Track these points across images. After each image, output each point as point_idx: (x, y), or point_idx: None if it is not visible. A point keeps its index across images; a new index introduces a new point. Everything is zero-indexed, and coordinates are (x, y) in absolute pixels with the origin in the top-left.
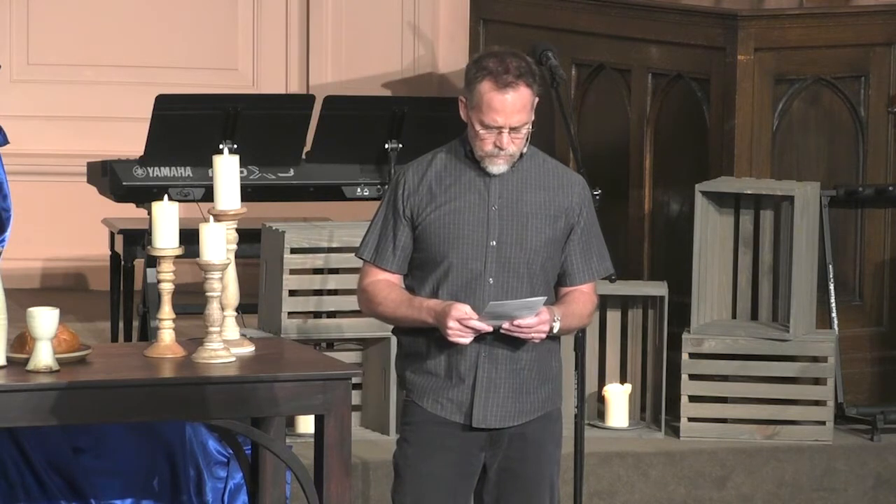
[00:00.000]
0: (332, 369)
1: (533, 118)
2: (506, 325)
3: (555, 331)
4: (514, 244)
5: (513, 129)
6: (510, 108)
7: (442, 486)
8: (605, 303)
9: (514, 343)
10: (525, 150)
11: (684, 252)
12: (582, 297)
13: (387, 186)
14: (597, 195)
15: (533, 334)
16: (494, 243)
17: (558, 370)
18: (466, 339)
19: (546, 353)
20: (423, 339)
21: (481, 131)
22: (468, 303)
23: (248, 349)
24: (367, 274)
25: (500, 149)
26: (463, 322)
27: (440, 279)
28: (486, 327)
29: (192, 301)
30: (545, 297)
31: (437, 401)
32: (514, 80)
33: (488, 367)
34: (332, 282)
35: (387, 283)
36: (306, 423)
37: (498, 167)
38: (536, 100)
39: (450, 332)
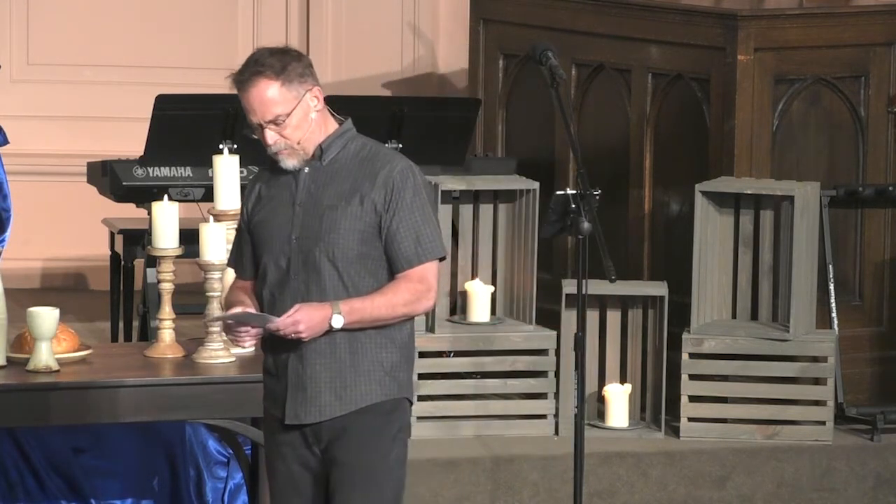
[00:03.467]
0: None
1: (312, 107)
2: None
3: (336, 325)
4: (311, 238)
5: (272, 123)
6: (255, 104)
7: (288, 482)
8: (605, 303)
9: (323, 339)
10: (324, 141)
11: (684, 252)
12: (397, 285)
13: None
14: (596, 195)
15: (292, 334)
16: (295, 239)
17: (391, 362)
18: (243, 343)
19: (363, 346)
20: (266, 340)
21: (255, 133)
22: (281, 300)
23: (249, 349)
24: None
25: (268, 145)
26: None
27: (262, 280)
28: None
29: (192, 301)
30: (262, 314)
31: (268, 398)
32: (247, 77)
33: (295, 364)
34: None
35: (234, 288)
36: None
37: (285, 162)
38: (308, 89)
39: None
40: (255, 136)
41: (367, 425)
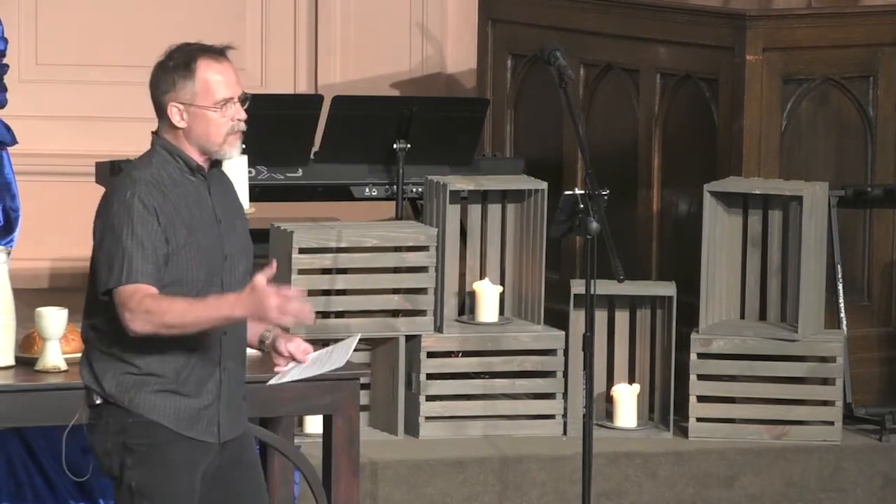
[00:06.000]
0: (341, 369)
1: None
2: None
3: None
4: (239, 254)
5: (241, 101)
6: (234, 77)
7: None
8: (613, 303)
9: (240, 352)
10: None
11: (693, 252)
12: None
13: (388, 187)
14: (605, 195)
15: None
16: (227, 257)
17: None
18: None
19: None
20: (158, 357)
21: (214, 114)
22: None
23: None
24: (129, 297)
25: (241, 121)
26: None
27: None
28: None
29: None
30: (359, 335)
31: (182, 419)
32: (223, 52)
33: (226, 380)
34: (341, 282)
35: (156, 294)
36: (314, 423)
37: (236, 148)
38: None
39: (278, 307)
40: (215, 117)
41: (248, 437)
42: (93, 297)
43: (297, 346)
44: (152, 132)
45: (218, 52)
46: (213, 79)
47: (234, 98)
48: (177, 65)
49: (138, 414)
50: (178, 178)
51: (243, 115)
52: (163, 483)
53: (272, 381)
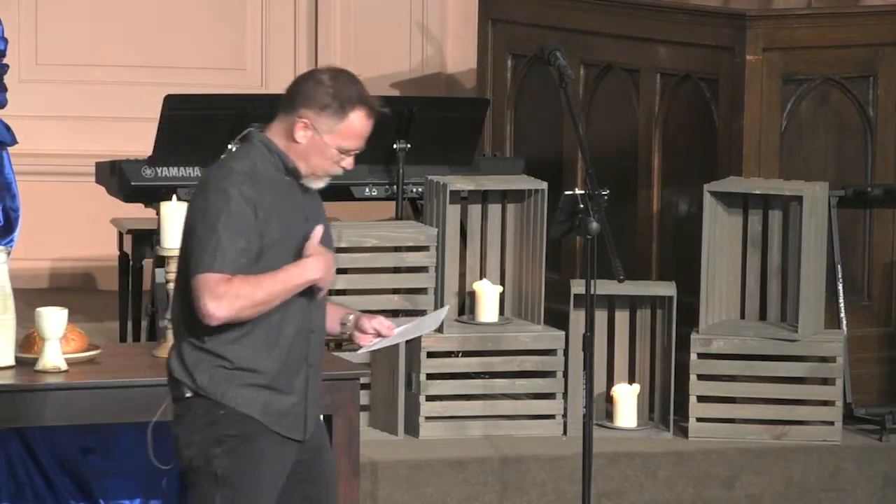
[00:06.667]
0: (341, 369)
1: None
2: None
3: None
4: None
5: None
6: (368, 134)
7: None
8: (613, 303)
9: (322, 350)
10: None
11: (693, 252)
12: None
13: (388, 187)
14: (605, 195)
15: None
16: None
17: None
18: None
19: None
20: (251, 353)
21: (332, 154)
22: (308, 315)
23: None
24: (217, 283)
25: (344, 169)
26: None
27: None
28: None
29: None
30: (447, 306)
31: (271, 413)
32: (377, 110)
33: (311, 376)
34: (341, 282)
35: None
36: None
37: (320, 185)
38: None
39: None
40: (332, 155)
41: (322, 428)
42: (185, 289)
43: (380, 322)
44: (249, 129)
45: (374, 109)
46: (355, 130)
47: (353, 150)
48: (336, 95)
49: (230, 407)
50: (273, 175)
51: (349, 167)
52: (249, 473)
53: (362, 350)
